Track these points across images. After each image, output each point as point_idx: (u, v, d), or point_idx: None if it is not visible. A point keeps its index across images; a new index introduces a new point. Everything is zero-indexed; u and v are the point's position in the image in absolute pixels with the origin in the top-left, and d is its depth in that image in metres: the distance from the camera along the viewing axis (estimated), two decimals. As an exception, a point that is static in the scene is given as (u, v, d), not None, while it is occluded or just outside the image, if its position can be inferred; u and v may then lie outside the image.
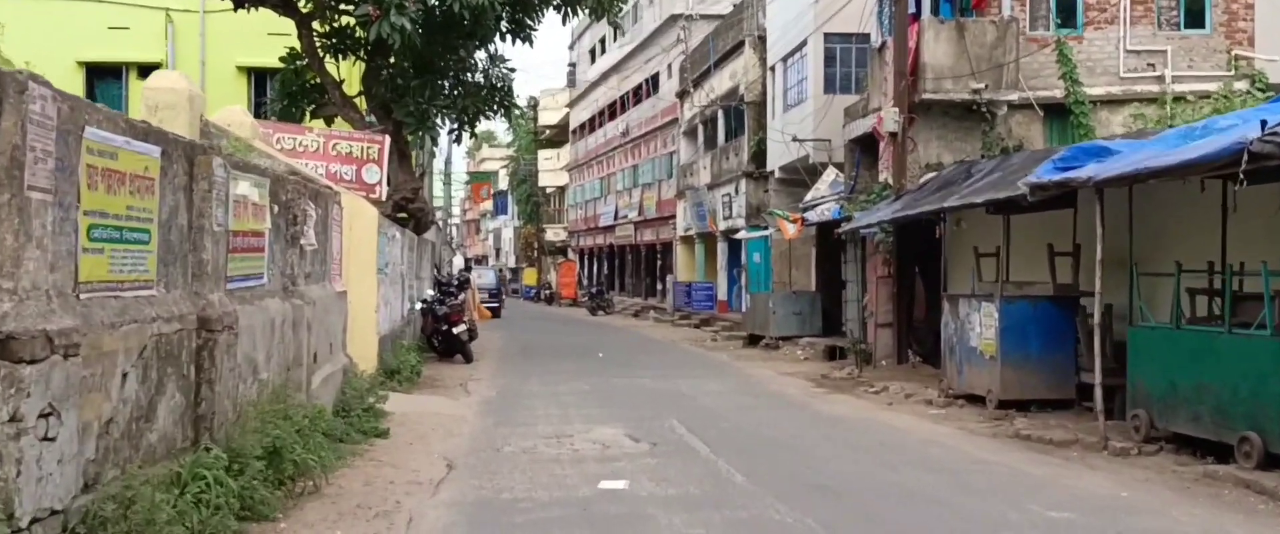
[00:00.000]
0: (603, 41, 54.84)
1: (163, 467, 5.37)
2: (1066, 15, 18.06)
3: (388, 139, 19.07)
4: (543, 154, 66.94)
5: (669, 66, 42.21)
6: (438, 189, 36.86)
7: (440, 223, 30.05)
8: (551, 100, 67.08)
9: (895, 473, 8.76)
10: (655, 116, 44.56)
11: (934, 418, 12.22)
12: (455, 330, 20.03)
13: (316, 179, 12.69)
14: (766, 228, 29.04)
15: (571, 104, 62.09)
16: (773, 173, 28.97)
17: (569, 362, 19.99)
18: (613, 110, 52.06)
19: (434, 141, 19.84)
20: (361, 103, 21.39)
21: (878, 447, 10.20)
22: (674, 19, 40.56)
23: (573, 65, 62.50)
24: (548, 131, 69.07)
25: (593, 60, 56.97)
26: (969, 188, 14.45)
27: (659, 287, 44.75)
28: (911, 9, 17.46)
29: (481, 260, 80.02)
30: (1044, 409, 11.92)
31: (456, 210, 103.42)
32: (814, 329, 23.60)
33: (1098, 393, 10.25)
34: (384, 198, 19.14)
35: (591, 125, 56.98)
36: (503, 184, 79.13)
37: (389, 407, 11.65)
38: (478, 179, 37.78)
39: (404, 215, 22.22)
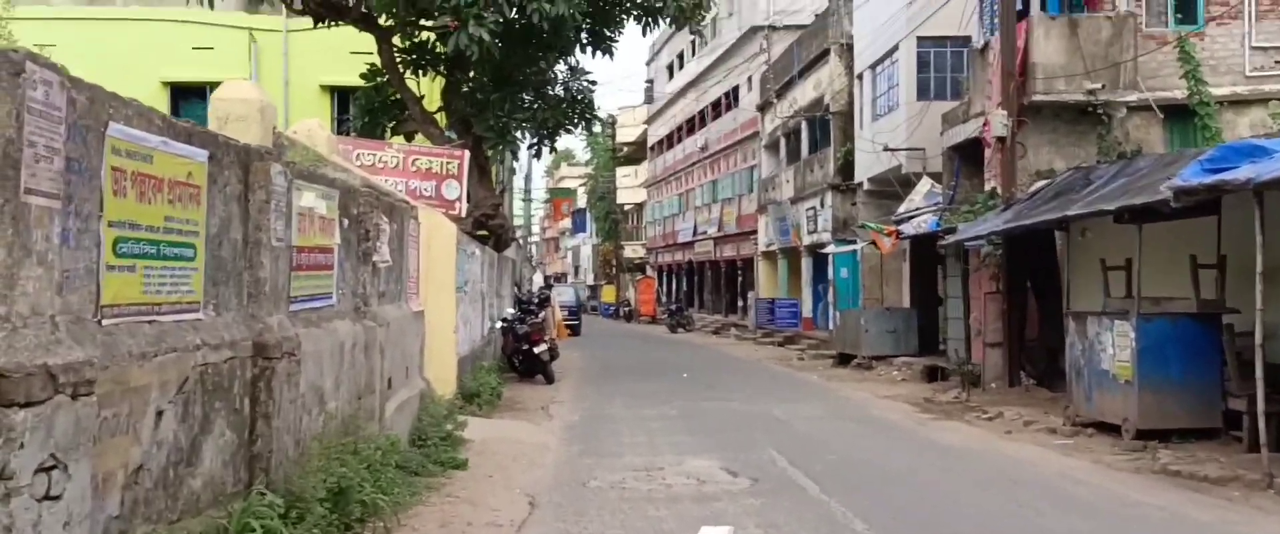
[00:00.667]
0: (681, 56, 54.12)
1: (206, 518, 4.64)
2: (1186, 10, 16.75)
3: (467, 154, 18.52)
4: (621, 171, 66.44)
5: (749, 79, 41.29)
6: (517, 206, 36.42)
7: (520, 240, 29.49)
8: (629, 116, 66.58)
9: (1038, 517, 7.70)
10: (735, 130, 43.65)
11: (1062, 449, 11.06)
12: (536, 350, 19.34)
13: (392, 192, 12.07)
14: (855, 242, 27.90)
15: (649, 120, 61.49)
16: (861, 185, 27.84)
17: (653, 382, 19.15)
18: (691, 125, 51.28)
19: (515, 156, 19.20)
20: (442, 118, 20.92)
21: (1007, 483, 9.13)
22: (754, 30, 39.65)
23: (650, 81, 61.86)
24: (625, 148, 68.58)
25: (670, 75, 56.28)
26: (1091, 195, 13.28)
27: (740, 303, 43.72)
28: (1017, 5, 16.33)
29: (561, 278, 79.82)
30: (1187, 439, 10.70)
31: (536, 228, 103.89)
32: (909, 348, 22.39)
33: (1261, 422, 9.06)
34: (464, 214, 18.57)
35: (670, 141, 56.26)
36: (582, 202, 78.93)
37: (468, 433, 10.92)
38: (558, 195, 37.23)
39: (484, 232, 21.66)
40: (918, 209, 22.02)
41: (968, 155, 19.88)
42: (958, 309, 19.14)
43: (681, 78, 52.87)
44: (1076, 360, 12.24)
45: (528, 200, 29.30)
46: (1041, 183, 16.11)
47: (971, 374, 16.30)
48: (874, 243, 21.48)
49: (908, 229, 20.60)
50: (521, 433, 12.36)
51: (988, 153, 17.16)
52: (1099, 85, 15.85)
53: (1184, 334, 10.85)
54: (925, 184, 22.95)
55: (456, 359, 13.44)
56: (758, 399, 16.15)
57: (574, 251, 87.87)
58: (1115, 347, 11.25)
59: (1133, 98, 16.21)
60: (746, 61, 40.81)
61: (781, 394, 17.12)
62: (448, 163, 18.07)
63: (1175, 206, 9.85)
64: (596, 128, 20.93)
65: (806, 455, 10.45)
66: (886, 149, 23.76)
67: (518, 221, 39.29)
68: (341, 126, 25.00)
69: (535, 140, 21.83)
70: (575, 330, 39.35)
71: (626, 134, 67.09)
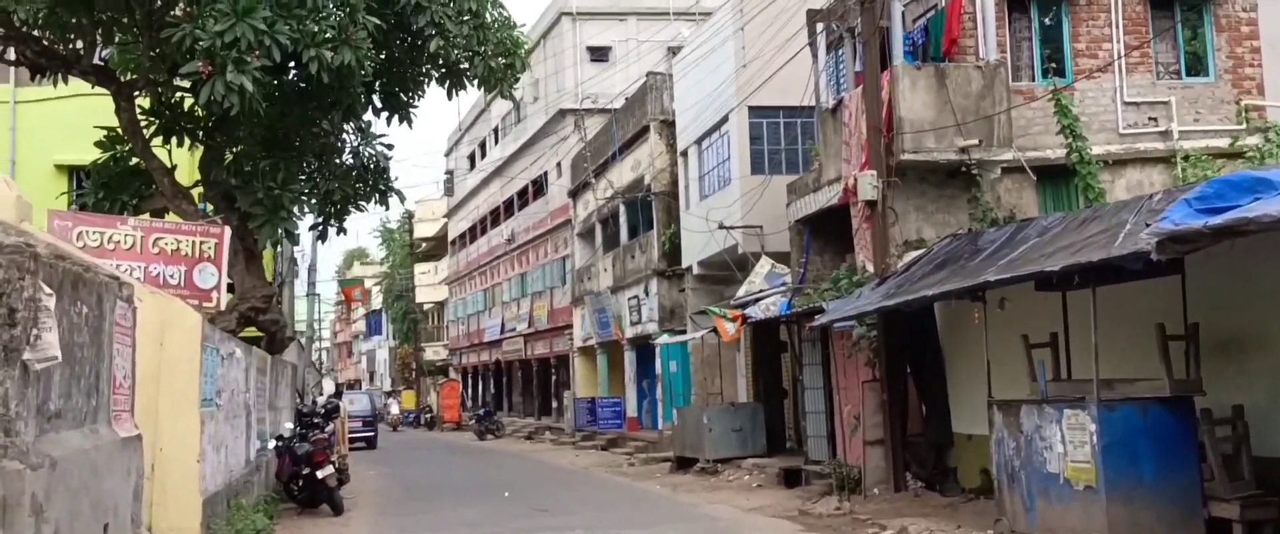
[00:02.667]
0: (482, 145, 51.47)
1: None
2: (1055, 62, 15.36)
3: (227, 231, 14.89)
4: (419, 268, 62.54)
5: (558, 165, 38.95)
6: (301, 306, 32.28)
7: (302, 341, 25.51)
8: (428, 210, 63.07)
9: None
10: (544, 219, 41.05)
11: (1018, 580, 8.58)
12: (320, 474, 15.58)
13: (77, 255, 8.47)
14: (685, 332, 25.51)
15: (449, 213, 58.21)
16: (690, 269, 25.57)
17: (469, 506, 15.73)
18: (496, 216, 48.41)
19: (292, 239, 15.68)
20: (199, 195, 17.19)
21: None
22: (563, 113, 37.47)
23: (449, 172, 58.78)
24: (424, 244, 64.90)
25: (472, 164, 53.45)
26: (992, 261, 11.19)
27: (554, 404, 40.56)
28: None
29: (355, 384, 74.23)
30: (1166, 558, 8.42)
31: (326, 333, 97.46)
32: (758, 448, 19.90)
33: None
34: (222, 306, 14.85)
35: (473, 234, 53.15)
36: (376, 303, 74.17)
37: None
38: (348, 284, 33.37)
39: (254, 332, 17.85)
40: (760, 292, 19.78)
41: (819, 228, 17.85)
42: (817, 402, 16.79)
43: (485, 167, 50.12)
44: (1008, 461, 9.87)
45: (313, 296, 25.53)
46: (914, 253, 14.07)
47: (848, 478, 13.81)
48: (716, 330, 19.02)
49: (754, 312, 18.25)
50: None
51: (855, 222, 15.05)
52: (974, 141, 14.05)
53: (1156, 425, 8.63)
54: (765, 264, 20.82)
55: (201, 499, 9.77)
56: (598, 523, 13.09)
57: (369, 356, 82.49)
58: (1068, 443, 8.92)
59: (1007, 156, 14.52)
60: (554, 146, 38.48)
61: (628, 515, 14.11)
62: (202, 243, 14.36)
63: (1156, 260, 7.66)
64: (392, 203, 17.56)
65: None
66: (721, 227, 21.57)
67: (303, 322, 34.93)
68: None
69: (318, 220, 18.35)
70: (371, 443, 35.14)
71: (425, 229, 63.53)
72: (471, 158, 53.50)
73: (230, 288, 15.19)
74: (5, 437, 5.19)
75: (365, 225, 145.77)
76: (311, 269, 25.87)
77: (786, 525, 12.28)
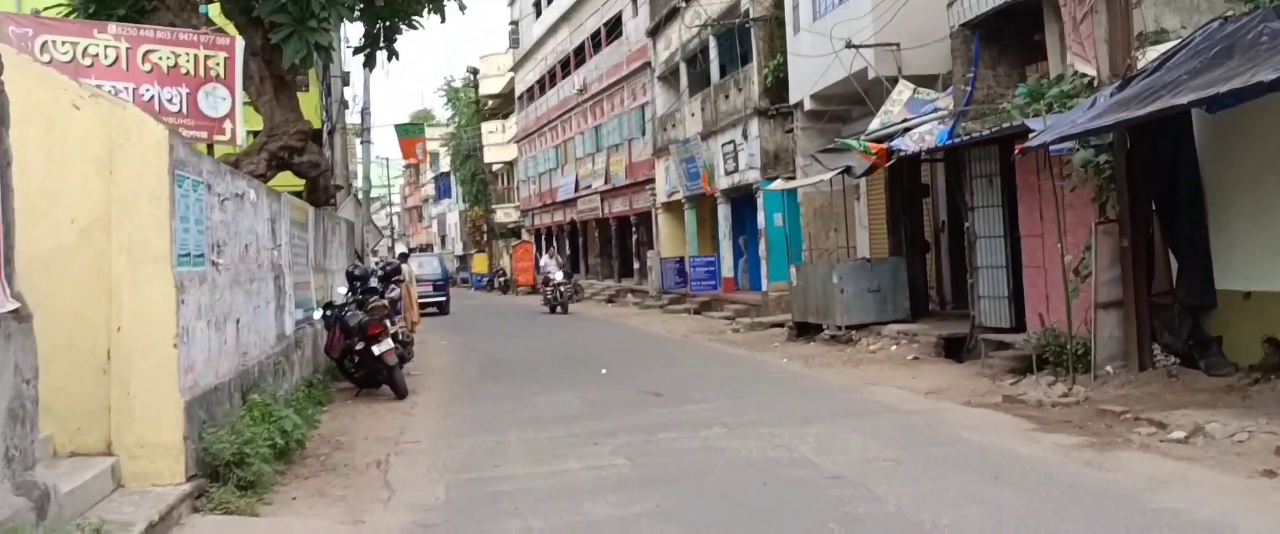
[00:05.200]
0: (549, -12, 47.24)
1: None
2: None
3: (239, 42, 11.56)
4: (486, 127, 59.16)
5: (633, 2, 34.83)
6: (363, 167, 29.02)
7: (359, 195, 22.40)
8: (493, 65, 59.32)
9: None
10: (620, 64, 37.11)
11: None
12: (377, 350, 12.59)
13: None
14: (792, 177, 21.90)
15: (516, 67, 54.38)
16: (799, 105, 21.72)
17: (562, 389, 12.64)
18: (566, 66, 44.53)
19: (323, 55, 12.31)
20: (216, 11, 13.78)
21: None
22: (639, -62, 33.15)
23: (515, 23, 54.69)
24: (490, 102, 61.41)
25: (538, 12, 49.31)
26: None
27: (636, 265, 37.48)
28: None
29: (426, 249, 72.19)
30: None
31: (397, 197, 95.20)
32: (899, 312, 16.46)
33: None
34: (240, 140, 11.64)
35: (541, 87, 49.41)
36: (444, 165, 71.29)
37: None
38: (408, 133, 30.19)
39: (301, 178, 14.77)
40: (903, 121, 16.02)
41: (992, 34, 13.98)
42: (993, 254, 13.21)
43: (551, 13, 46.02)
44: None
45: (366, 143, 22.34)
46: (1162, 46, 10.20)
47: (1068, 352, 10.30)
48: (846, 170, 15.33)
49: (902, 144, 14.54)
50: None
51: (1066, 14, 11.12)
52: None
53: None
54: (906, 89, 16.97)
55: (183, 400, 6.64)
56: (738, 414, 9.86)
57: (439, 220, 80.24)
58: None
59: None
60: (630, -21, 34.30)
61: (769, 401, 10.85)
62: (207, 57, 11.07)
63: None
64: (449, 8, 13.93)
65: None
66: (848, 46, 17.60)
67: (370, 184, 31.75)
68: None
69: (363, 41, 14.94)
70: (443, 308, 32.52)
71: (491, 85, 59.93)
72: (537, 3, 49.31)
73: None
74: None
75: (429, 84, 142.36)
76: (365, 112, 22.57)
77: (1006, 421, 8.88)
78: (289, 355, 11.49)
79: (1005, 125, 11.24)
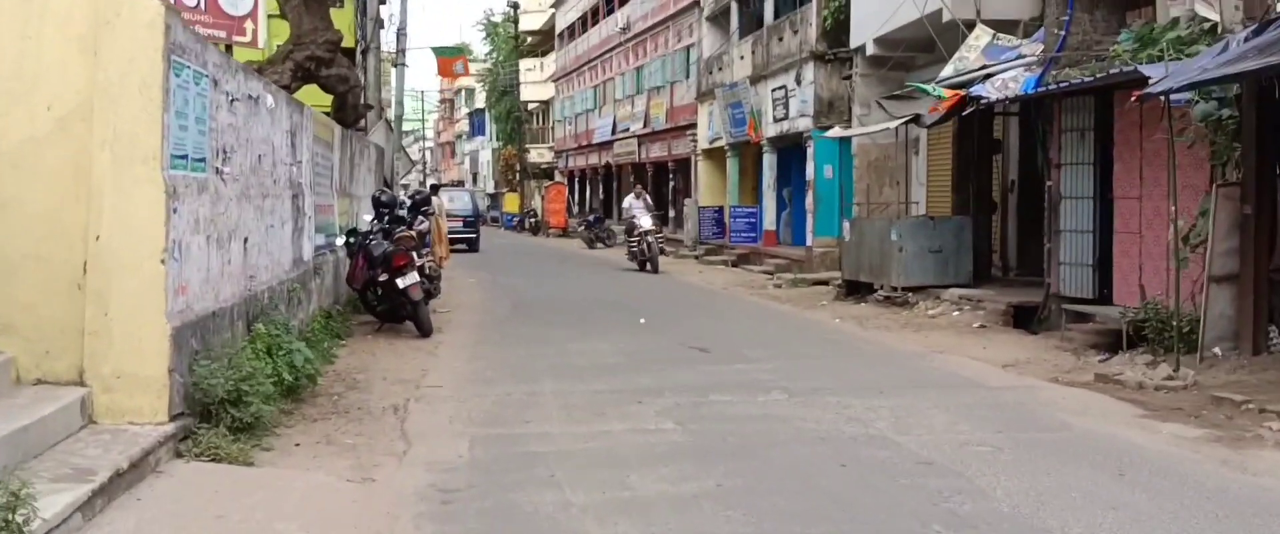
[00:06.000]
0: (596, -80, 45.64)
1: None
2: None
3: (266, -65, 10.51)
4: (524, 64, 57.79)
5: (686, -66, 33.38)
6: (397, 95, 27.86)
7: (390, 120, 21.37)
8: (534, 1, 57.86)
9: None
10: (667, 3, 35.68)
11: None
12: (401, 283, 11.64)
13: None
14: (848, 125, 20.65)
15: (557, 3, 52.97)
16: (861, 50, 20.39)
17: (596, 337, 11.65)
18: (609, 3, 43.09)
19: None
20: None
21: None
22: None
23: (558, -44, 53.22)
24: (530, 38, 60.02)
25: (583, -54, 47.83)
26: None
27: (671, 213, 36.35)
28: None
29: (458, 185, 71.37)
30: None
31: (430, 133, 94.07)
32: (962, 276, 15.30)
33: None
34: (262, 43, 10.63)
35: (582, 25, 48.04)
36: (480, 102, 70.11)
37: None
38: (446, 54, 29.10)
39: (329, 92, 13.76)
40: (981, 68, 14.74)
41: (1093, -27, 12.60)
42: (1080, 217, 12.02)
43: (598, -55, 44.56)
44: None
45: (401, 65, 21.24)
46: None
47: (1170, 329, 9.16)
48: (914, 119, 14.09)
49: (983, 91, 13.28)
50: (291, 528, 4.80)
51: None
52: None
53: None
54: (984, 35, 15.63)
55: (169, 326, 5.66)
56: (797, 377, 8.82)
57: (472, 157, 79.28)
58: None
59: None
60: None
61: (824, 363, 9.82)
62: (228, -53, 10.01)
63: None
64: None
65: None
66: (925, -16, 16.27)
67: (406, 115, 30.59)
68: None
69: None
70: (473, 245, 31.60)
71: (531, 21, 58.54)
72: (582, -64, 47.82)
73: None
74: None
75: (468, 17, 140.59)
76: (401, 33, 21.47)
77: (1110, 405, 7.78)
78: (306, 283, 10.54)
79: (1112, 71, 9.99)
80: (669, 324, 13.04)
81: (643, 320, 13.27)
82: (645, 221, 23.07)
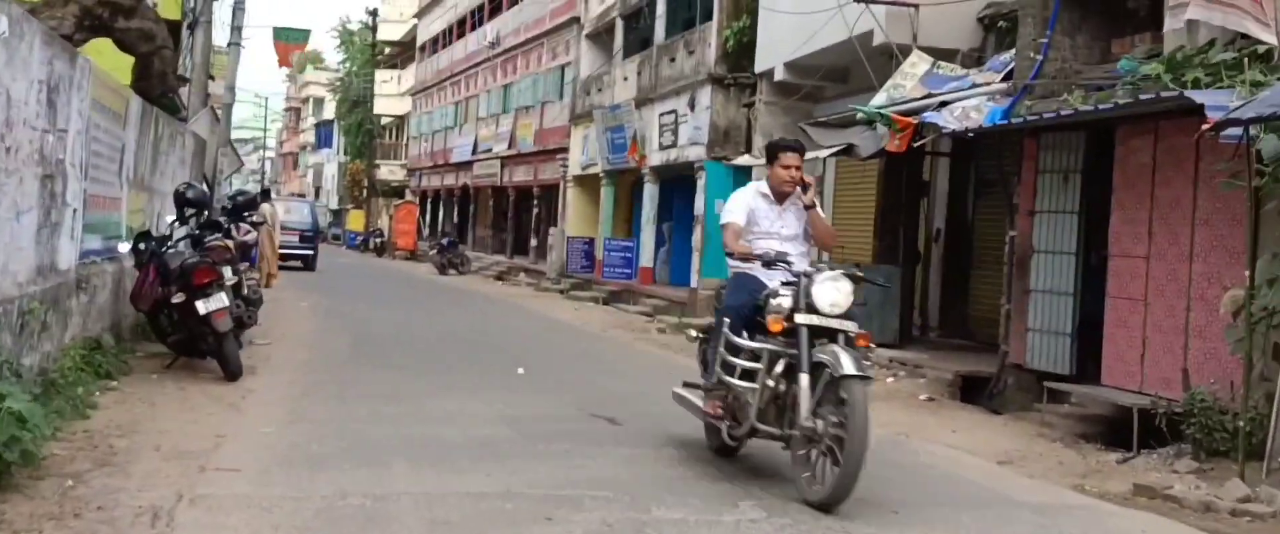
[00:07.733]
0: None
1: None
2: None
3: None
4: (381, 75, 54.26)
5: (567, -54, 31.06)
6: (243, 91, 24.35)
7: (217, 110, 18.05)
8: (395, 10, 54.50)
9: None
10: (542, 18, 33.17)
11: None
12: (203, 308, 8.61)
13: None
14: (748, 153, 18.53)
15: (421, 13, 49.74)
16: (768, 75, 18.32)
17: (465, 392, 8.89)
18: (478, 16, 40.33)
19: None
20: None
21: None
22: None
23: (425, -36, 50.10)
24: (388, 49, 56.52)
25: (452, -47, 44.94)
26: None
27: (532, 242, 33.70)
28: None
29: (299, 197, 66.66)
30: None
31: (271, 142, 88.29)
32: (887, 335, 13.14)
33: None
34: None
35: (447, 37, 45.05)
36: (329, 112, 65.82)
37: None
38: (287, 37, 25.68)
39: (128, 51, 10.65)
40: (924, 97, 12.78)
41: (1077, -5, 10.78)
42: (1057, 275, 10.03)
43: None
44: None
45: (236, 45, 18.11)
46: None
47: (1220, 427, 7.14)
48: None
49: (940, 119, 11.26)
50: None
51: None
52: None
53: None
54: (921, 62, 13.72)
55: None
56: (766, 483, 6.37)
57: (316, 170, 74.66)
58: None
59: None
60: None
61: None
62: None
63: None
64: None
65: None
66: (862, 0, 14.27)
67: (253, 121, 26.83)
68: None
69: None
70: (309, 263, 28.10)
71: (390, 31, 55.11)
72: (454, -55, 44.92)
73: None
74: None
75: (322, 24, 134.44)
76: (237, 8, 18.27)
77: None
78: (60, 301, 7.47)
79: (1145, 96, 7.99)
80: (553, 376, 10.42)
81: (521, 370, 10.58)
82: None
